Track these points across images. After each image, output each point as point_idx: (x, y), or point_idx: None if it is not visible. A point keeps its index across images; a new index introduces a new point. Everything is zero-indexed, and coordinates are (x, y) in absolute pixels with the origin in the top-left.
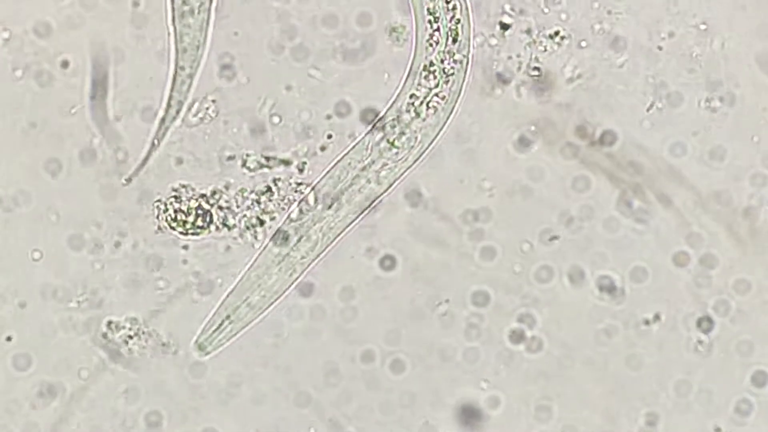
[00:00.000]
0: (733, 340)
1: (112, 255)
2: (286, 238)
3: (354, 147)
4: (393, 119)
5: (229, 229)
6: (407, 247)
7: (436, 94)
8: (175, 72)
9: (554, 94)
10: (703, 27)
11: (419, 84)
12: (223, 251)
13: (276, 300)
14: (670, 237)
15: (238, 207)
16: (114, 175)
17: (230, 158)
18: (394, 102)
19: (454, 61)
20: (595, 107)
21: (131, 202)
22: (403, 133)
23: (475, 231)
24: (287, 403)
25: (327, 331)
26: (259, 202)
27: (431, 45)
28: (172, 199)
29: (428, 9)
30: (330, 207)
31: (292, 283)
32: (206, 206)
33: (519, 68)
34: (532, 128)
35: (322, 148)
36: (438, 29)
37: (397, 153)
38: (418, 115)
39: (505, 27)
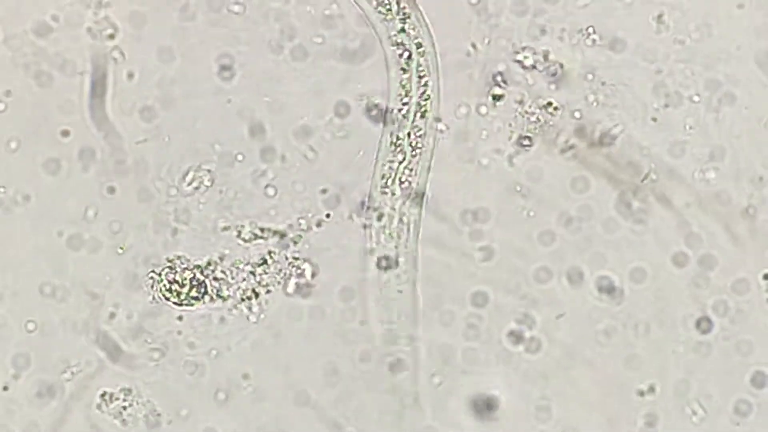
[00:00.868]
0: (732, 341)
1: (106, 325)
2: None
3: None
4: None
5: (224, 300)
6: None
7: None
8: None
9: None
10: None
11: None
12: (218, 322)
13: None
14: (669, 237)
15: (233, 278)
16: (113, 176)
17: (225, 229)
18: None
19: (420, 137)
20: (595, 110)
21: (126, 273)
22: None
23: (474, 231)
24: (287, 402)
25: (327, 331)
26: (254, 274)
27: (403, 117)
28: (167, 270)
29: (401, 83)
30: None
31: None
32: (201, 277)
33: (510, 138)
34: (518, 188)
35: (318, 224)
36: (407, 103)
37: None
38: (393, 193)
39: (497, 98)
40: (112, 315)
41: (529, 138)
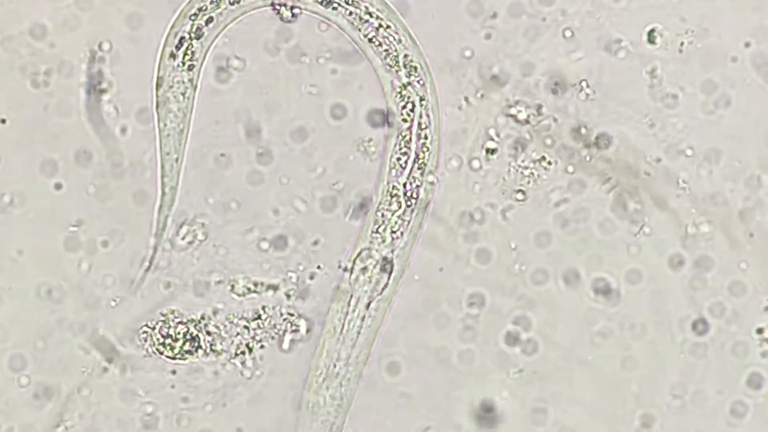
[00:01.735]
0: (728, 342)
1: (99, 379)
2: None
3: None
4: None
5: (218, 354)
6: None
7: (399, 217)
8: (162, 159)
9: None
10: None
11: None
12: (212, 376)
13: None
14: (665, 239)
15: (226, 333)
16: (109, 177)
17: (219, 282)
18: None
19: (417, 187)
20: (592, 112)
21: (119, 327)
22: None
23: (470, 233)
24: (284, 404)
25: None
26: (248, 329)
27: (401, 167)
28: (160, 324)
29: (401, 133)
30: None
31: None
32: (194, 331)
33: (504, 192)
34: (518, 197)
35: (311, 277)
36: (406, 153)
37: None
38: (383, 240)
39: (490, 152)
40: (105, 369)
41: (522, 192)
